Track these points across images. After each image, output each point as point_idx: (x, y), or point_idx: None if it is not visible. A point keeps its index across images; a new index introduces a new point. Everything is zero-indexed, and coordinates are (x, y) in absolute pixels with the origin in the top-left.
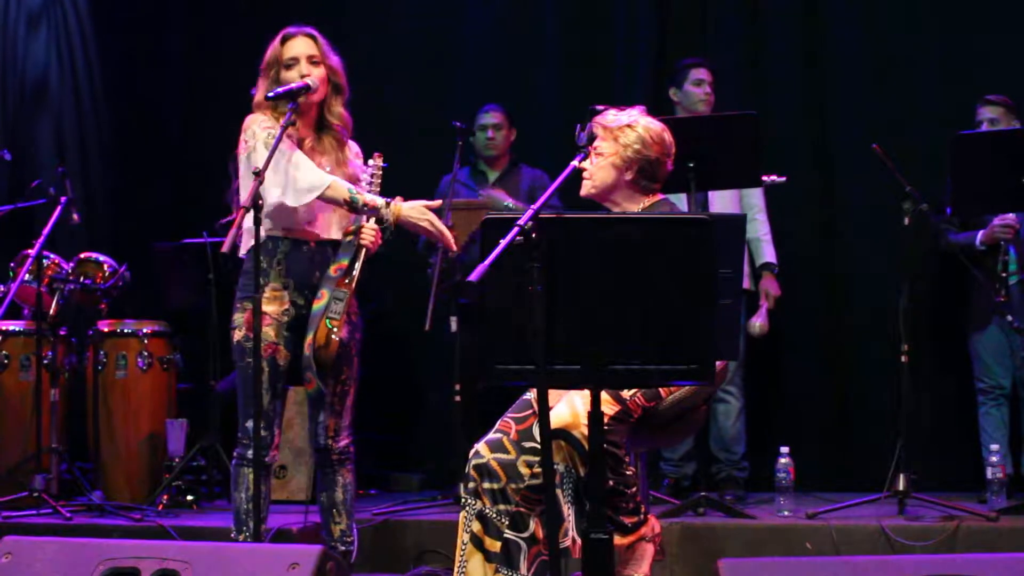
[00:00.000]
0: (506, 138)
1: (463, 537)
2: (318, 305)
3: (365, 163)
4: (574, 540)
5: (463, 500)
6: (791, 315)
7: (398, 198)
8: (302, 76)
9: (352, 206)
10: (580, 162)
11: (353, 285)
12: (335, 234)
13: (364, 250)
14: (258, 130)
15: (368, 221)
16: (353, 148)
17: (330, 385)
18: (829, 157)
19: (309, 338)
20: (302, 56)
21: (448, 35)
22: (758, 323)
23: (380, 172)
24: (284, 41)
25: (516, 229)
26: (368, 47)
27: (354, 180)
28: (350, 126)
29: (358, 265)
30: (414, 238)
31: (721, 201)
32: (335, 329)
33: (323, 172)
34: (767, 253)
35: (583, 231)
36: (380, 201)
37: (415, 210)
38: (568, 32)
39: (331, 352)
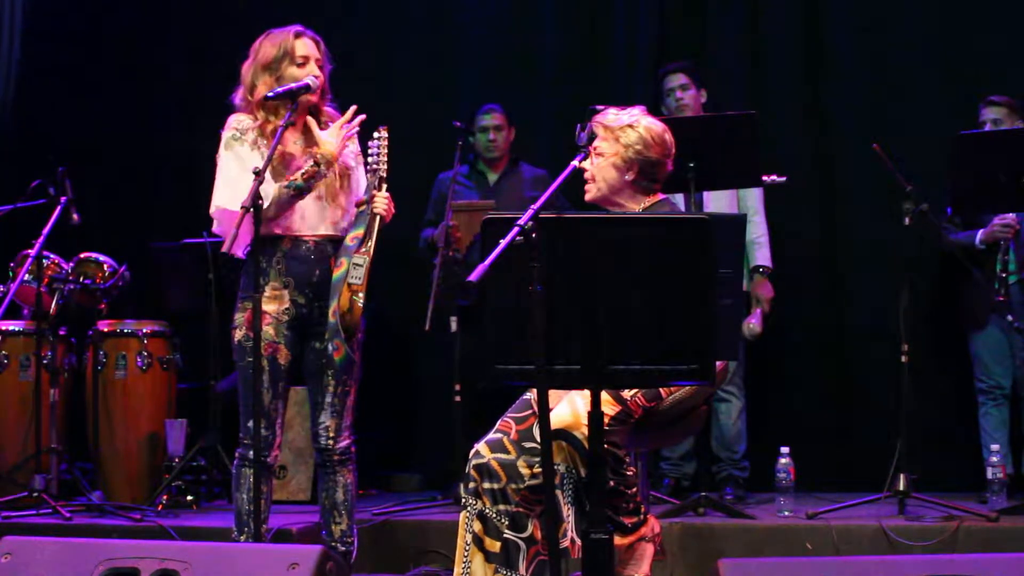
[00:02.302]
0: (506, 138)
1: (466, 538)
2: (338, 273)
3: (368, 139)
4: (573, 541)
5: (464, 500)
6: (791, 315)
7: (373, 144)
8: (311, 75)
9: (300, 190)
10: (580, 162)
11: (371, 253)
12: (330, 230)
13: (379, 218)
14: (225, 135)
15: (380, 190)
16: None
17: (331, 385)
18: (829, 157)
19: (334, 305)
20: (312, 56)
21: (448, 35)
22: (751, 323)
23: (385, 144)
24: (298, 36)
25: (516, 229)
26: (369, 46)
27: (343, 169)
28: (336, 119)
29: (375, 234)
30: (415, 240)
31: (718, 202)
32: (358, 294)
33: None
34: (760, 256)
35: (583, 231)
36: (310, 164)
37: (332, 142)
38: (568, 32)
39: (356, 317)
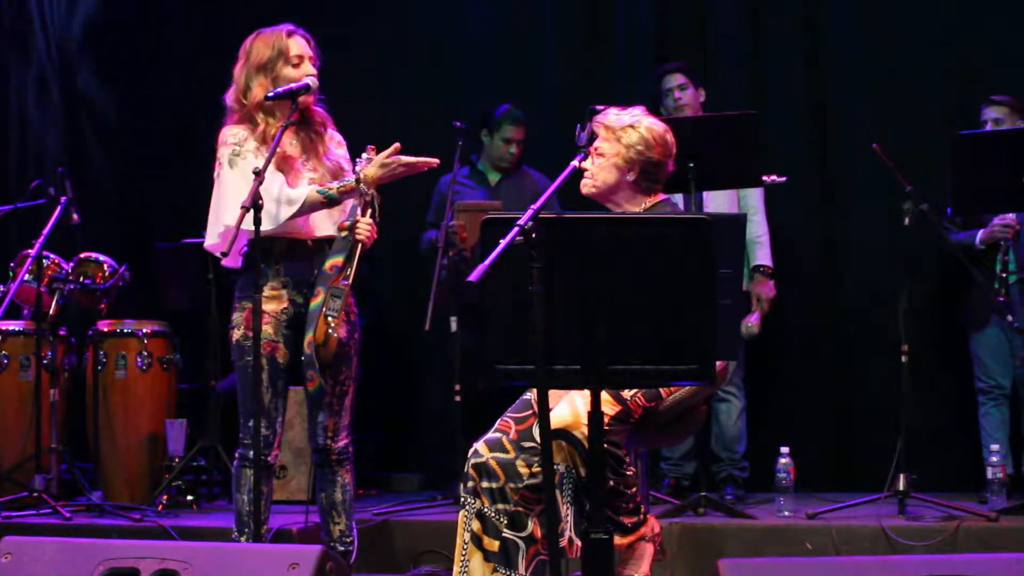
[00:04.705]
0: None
1: (464, 536)
2: (315, 303)
3: (357, 157)
4: (571, 540)
5: (462, 499)
6: (791, 315)
7: (361, 162)
8: (308, 75)
9: (332, 201)
10: (580, 162)
11: (350, 282)
12: (330, 230)
13: (360, 246)
14: (224, 153)
15: (363, 216)
16: (335, 137)
17: (328, 385)
18: (829, 157)
19: (309, 336)
20: (306, 55)
21: (449, 35)
22: (749, 323)
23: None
24: (290, 35)
25: (516, 229)
26: (369, 47)
27: (336, 169)
28: (327, 119)
29: (355, 261)
30: (416, 241)
31: (717, 202)
32: (333, 326)
33: (293, 190)
34: (761, 255)
35: (583, 231)
36: (351, 181)
37: (380, 167)
38: (568, 32)
39: (330, 350)
